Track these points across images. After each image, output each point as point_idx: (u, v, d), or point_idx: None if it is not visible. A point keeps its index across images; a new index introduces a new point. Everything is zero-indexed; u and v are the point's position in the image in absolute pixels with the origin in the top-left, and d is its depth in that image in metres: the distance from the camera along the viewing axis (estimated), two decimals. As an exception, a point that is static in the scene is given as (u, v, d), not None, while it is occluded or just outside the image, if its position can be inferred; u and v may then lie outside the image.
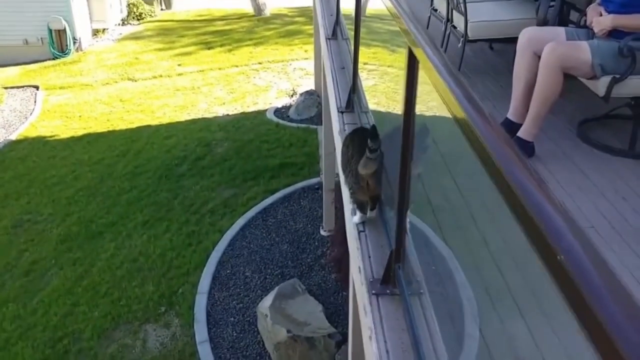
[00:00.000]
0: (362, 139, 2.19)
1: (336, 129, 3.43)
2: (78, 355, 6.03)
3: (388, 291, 2.02)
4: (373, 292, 2.02)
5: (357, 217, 2.40)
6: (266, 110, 11.46)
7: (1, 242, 8.05)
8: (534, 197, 0.82)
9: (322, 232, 7.64)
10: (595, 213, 2.52)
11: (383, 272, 2.05)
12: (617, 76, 2.81)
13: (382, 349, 1.79)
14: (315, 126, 10.28)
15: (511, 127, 3.15)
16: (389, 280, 2.03)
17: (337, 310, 6.28)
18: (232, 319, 6.42)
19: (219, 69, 13.99)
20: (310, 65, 12.71)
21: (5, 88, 13.21)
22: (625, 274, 2.17)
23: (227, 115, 11.51)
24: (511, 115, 3.21)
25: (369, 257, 2.21)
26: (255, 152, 9.71)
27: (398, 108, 1.87)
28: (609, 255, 2.30)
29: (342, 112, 3.48)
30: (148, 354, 6.00)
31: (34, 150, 10.66)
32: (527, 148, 3.01)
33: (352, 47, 3.62)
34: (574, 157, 3.05)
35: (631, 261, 2.21)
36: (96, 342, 6.19)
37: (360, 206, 2.38)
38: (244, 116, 11.37)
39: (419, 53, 1.53)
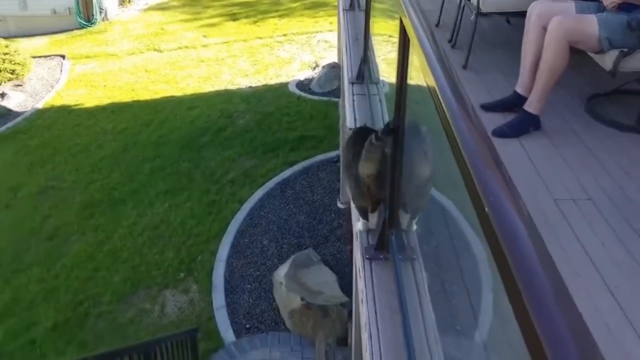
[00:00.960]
0: (364, 140, 2.04)
1: (347, 99, 3.48)
2: (98, 318, 6.23)
3: (381, 256, 2.08)
4: (367, 256, 2.09)
5: (359, 224, 2.27)
6: (288, 82, 11.49)
7: (27, 208, 8.27)
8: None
9: (339, 205, 7.71)
10: (595, 186, 2.54)
11: (377, 238, 2.11)
12: (625, 50, 2.80)
13: (371, 311, 1.86)
14: (336, 99, 10.29)
15: (519, 100, 3.16)
16: (383, 246, 2.09)
17: (351, 281, 6.36)
18: (248, 286, 6.55)
19: (244, 40, 14.02)
20: (334, 38, 12.67)
21: (34, 57, 13.40)
22: (620, 248, 2.20)
23: (250, 87, 11.57)
24: (519, 88, 3.21)
25: (367, 221, 2.27)
26: (276, 124, 9.78)
27: (415, 80, 1.87)
28: (604, 228, 2.34)
29: (352, 83, 3.52)
30: (166, 319, 6.17)
31: (59, 119, 10.85)
32: (532, 121, 3.02)
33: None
34: (579, 132, 3.05)
35: (627, 235, 2.24)
36: (115, 306, 6.38)
37: (362, 213, 2.25)
38: (267, 88, 11.42)
39: (407, 24, 1.57)
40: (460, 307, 2.53)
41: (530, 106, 3.03)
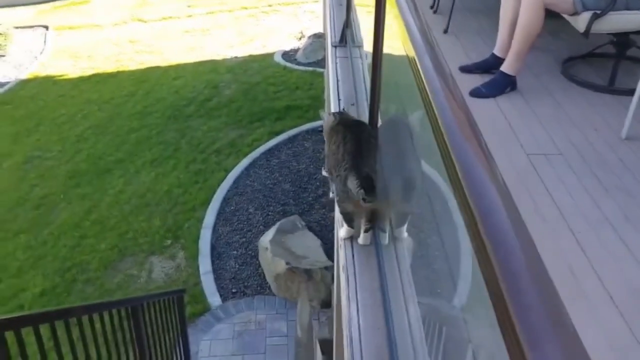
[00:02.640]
0: (358, 139, 1.81)
1: (329, 62, 3.54)
2: (85, 284, 6.31)
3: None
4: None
5: (343, 231, 2.02)
6: (274, 53, 11.49)
7: (13, 177, 8.29)
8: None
9: (324, 173, 7.74)
10: (566, 142, 2.64)
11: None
12: (598, 12, 2.89)
13: (351, 283, 1.93)
14: (321, 69, 10.31)
15: (496, 62, 3.25)
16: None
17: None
18: (234, 252, 6.65)
19: (229, 11, 13.96)
20: (320, 9, 12.65)
21: (17, 28, 13.27)
22: (585, 197, 2.31)
23: (235, 57, 11.55)
24: (497, 50, 3.30)
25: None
26: (262, 95, 9.81)
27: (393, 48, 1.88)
28: (573, 181, 2.44)
29: (335, 47, 3.59)
30: (153, 284, 6.26)
31: (43, 90, 10.80)
32: (509, 82, 3.12)
33: (346, -17, 3.69)
34: (554, 92, 3.15)
35: (592, 184, 2.35)
36: (103, 273, 6.46)
37: (347, 218, 1.98)
38: (252, 59, 11.42)
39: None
40: (440, 273, 2.63)
41: (507, 67, 3.13)
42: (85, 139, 9.06)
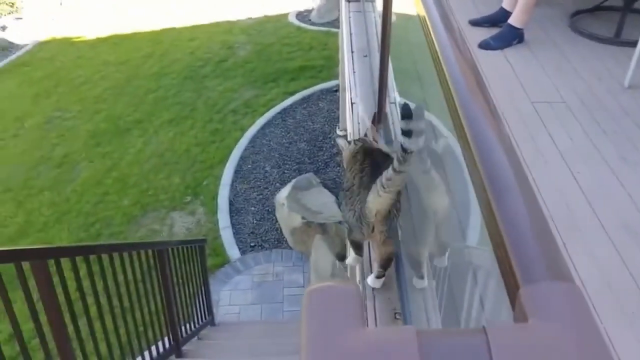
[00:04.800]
0: (377, 172, 1.55)
1: (343, 16, 3.65)
2: (110, 237, 6.54)
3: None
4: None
5: (350, 259, 1.92)
6: (288, 13, 11.53)
7: (35, 137, 8.51)
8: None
9: (338, 132, 7.92)
10: (570, 91, 2.77)
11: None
12: (604, -35, 2.99)
13: None
14: (336, 29, 10.35)
15: (505, 16, 3.35)
16: (373, 140, 2.32)
17: (350, 202, 6.66)
18: (252, 208, 6.85)
19: (242, -28, 13.92)
20: (333, -32, 12.61)
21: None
22: (585, 141, 2.45)
23: (250, 18, 11.61)
24: (505, 4, 3.40)
25: (358, 123, 2.51)
26: (276, 55, 9.91)
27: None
28: (574, 127, 2.57)
29: (348, 1, 3.70)
30: (175, 238, 6.49)
31: (61, 51, 10.97)
32: (516, 35, 3.22)
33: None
34: (561, 44, 3.26)
35: (592, 129, 2.48)
36: (126, 227, 6.69)
37: (355, 246, 1.85)
38: (266, 19, 11.47)
39: None
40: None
41: (514, 20, 3.23)
42: (104, 99, 9.24)
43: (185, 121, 8.45)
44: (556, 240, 0.56)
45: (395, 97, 2.54)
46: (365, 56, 2.99)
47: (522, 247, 0.56)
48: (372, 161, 1.69)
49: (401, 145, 1.40)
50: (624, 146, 2.36)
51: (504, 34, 3.24)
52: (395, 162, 1.43)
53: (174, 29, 11.48)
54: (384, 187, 1.49)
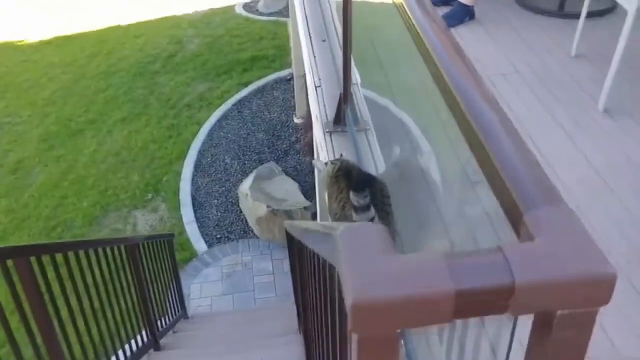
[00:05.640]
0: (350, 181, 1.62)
1: (296, 3, 3.71)
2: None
3: (339, 129, 2.40)
4: (327, 130, 2.41)
5: None
6: (234, 5, 11.48)
7: (-15, 145, 8.32)
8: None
9: (295, 120, 7.99)
10: (522, 63, 2.90)
11: (334, 114, 2.43)
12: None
13: None
14: (284, 19, 10.39)
15: (456, -6, 3.47)
16: (340, 121, 2.41)
17: (312, 187, 6.73)
18: (215, 201, 6.87)
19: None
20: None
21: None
22: (539, 108, 2.57)
23: (196, 11, 11.52)
24: (455, -17, 3.52)
25: (324, 105, 2.58)
26: (226, 47, 9.88)
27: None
28: (529, 95, 2.70)
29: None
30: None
31: (4, 55, 10.70)
32: (467, 12, 3.34)
33: None
34: (510, 19, 3.39)
35: (545, 97, 2.61)
36: (88, 229, 6.63)
37: None
38: (213, 12, 11.39)
39: None
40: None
41: (464, -2, 3.35)
42: (53, 102, 9.08)
43: (139, 118, 8.38)
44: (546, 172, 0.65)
45: (357, 78, 2.62)
46: (324, 40, 3.05)
47: (520, 180, 0.65)
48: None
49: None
50: (575, 111, 2.49)
51: (455, 12, 3.35)
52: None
53: (119, 26, 11.30)
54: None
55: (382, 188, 1.55)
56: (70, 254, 2.64)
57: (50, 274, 2.48)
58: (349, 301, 0.51)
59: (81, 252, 2.77)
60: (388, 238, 0.57)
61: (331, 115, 2.47)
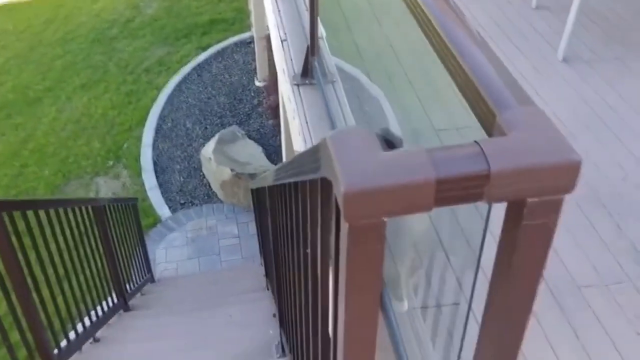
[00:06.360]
0: None
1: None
2: (35, 208, 6.39)
3: (307, 81, 2.43)
4: (294, 83, 2.43)
5: None
6: (192, -32, 11.26)
7: (-62, 114, 8.09)
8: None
9: (257, 83, 7.96)
10: (485, 16, 2.96)
11: (302, 67, 2.45)
12: None
13: (302, 121, 2.23)
14: (243, -19, 10.26)
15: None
16: (307, 73, 2.44)
17: (276, 151, 6.76)
18: (177, 166, 6.84)
19: None
20: None
21: None
22: (502, 58, 2.64)
23: (152, -25, 11.27)
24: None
25: (291, 59, 2.60)
26: (184, 10, 9.72)
27: None
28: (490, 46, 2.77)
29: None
30: (102, 203, 6.42)
31: (-46, 23, 10.34)
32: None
33: None
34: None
35: (508, 48, 2.68)
36: (50, 197, 6.55)
37: None
38: (170, -25, 11.17)
39: None
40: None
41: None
42: (7, 70, 8.84)
43: (98, 85, 8.24)
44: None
45: (322, 32, 2.64)
46: None
47: (493, 84, 0.70)
48: None
49: None
50: (536, 60, 2.57)
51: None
52: None
53: (74, -9, 11.00)
54: None
55: None
56: (42, 214, 2.63)
57: (23, 232, 2.47)
58: (341, 191, 0.56)
59: (52, 212, 2.77)
60: (374, 138, 0.61)
61: (298, 68, 2.49)
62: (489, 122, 0.66)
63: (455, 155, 0.58)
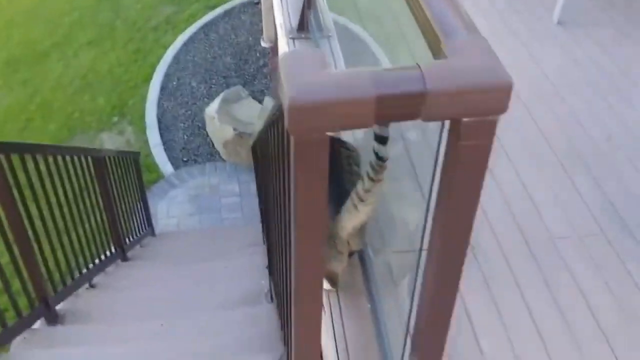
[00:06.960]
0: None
1: None
2: (40, 162, 6.47)
3: (303, 36, 2.45)
4: (290, 37, 2.46)
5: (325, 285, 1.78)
6: None
7: (-54, 66, 8.13)
8: None
9: (263, 44, 7.93)
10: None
11: (298, 21, 2.47)
12: None
13: None
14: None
15: None
16: (303, 27, 2.45)
17: (280, 112, 6.78)
18: (181, 124, 6.88)
19: None
20: None
21: None
22: (496, 17, 2.66)
23: None
24: None
25: (288, 13, 2.62)
26: (193, -31, 9.65)
27: None
28: (490, 11, 2.77)
29: None
30: (106, 158, 6.48)
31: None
32: None
33: None
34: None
35: (503, 7, 2.69)
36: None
37: (330, 279, 1.73)
38: None
39: None
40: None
41: None
42: (16, 25, 8.85)
43: (105, 42, 8.24)
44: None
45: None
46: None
47: (440, 14, 0.73)
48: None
49: (375, 153, 1.20)
50: (531, 21, 2.58)
51: None
52: (371, 171, 1.24)
53: (82, -53, 10.93)
54: (362, 200, 1.31)
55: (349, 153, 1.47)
56: (42, 166, 2.69)
57: (23, 180, 2.53)
58: (285, 104, 0.60)
59: (51, 163, 2.82)
60: (325, 59, 0.65)
61: (295, 22, 2.51)
62: (436, 48, 0.70)
63: (396, 75, 0.63)
